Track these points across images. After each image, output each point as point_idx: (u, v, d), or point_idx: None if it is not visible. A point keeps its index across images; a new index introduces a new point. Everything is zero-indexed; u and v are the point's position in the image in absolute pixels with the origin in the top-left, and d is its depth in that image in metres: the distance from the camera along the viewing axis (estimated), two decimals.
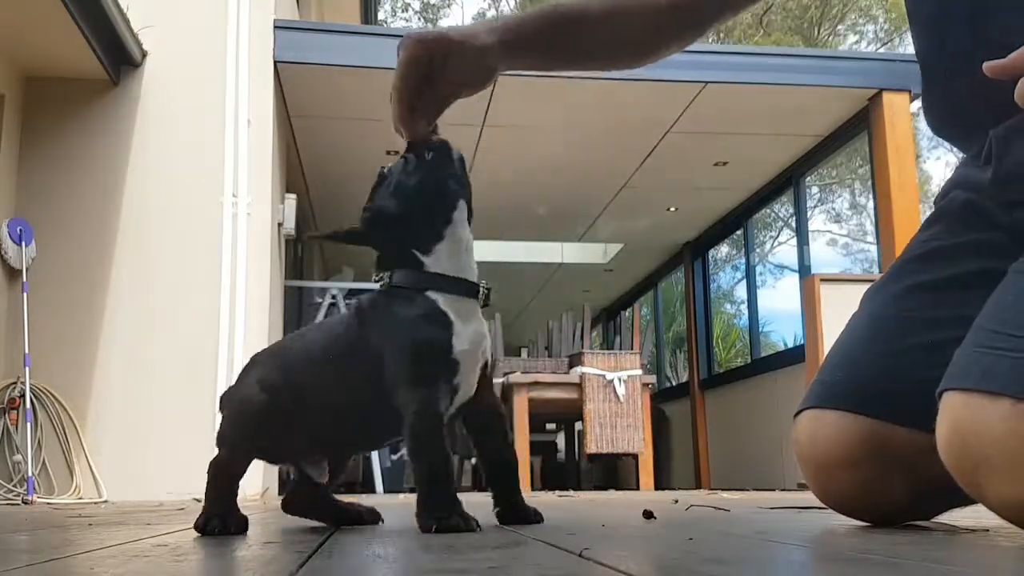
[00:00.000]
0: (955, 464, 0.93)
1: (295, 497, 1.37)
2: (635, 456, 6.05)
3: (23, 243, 4.38)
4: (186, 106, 4.84)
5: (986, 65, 0.96)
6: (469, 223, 1.23)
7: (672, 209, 7.26)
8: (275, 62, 4.95)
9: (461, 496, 1.10)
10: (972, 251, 1.21)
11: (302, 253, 7.41)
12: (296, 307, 7.13)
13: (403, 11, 23.13)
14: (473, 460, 6.56)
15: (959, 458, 0.93)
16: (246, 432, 1.23)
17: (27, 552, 1.06)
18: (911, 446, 1.09)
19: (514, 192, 7.00)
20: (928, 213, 1.34)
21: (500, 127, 5.78)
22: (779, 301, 20.01)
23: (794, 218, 6.82)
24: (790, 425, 1.32)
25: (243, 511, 1.23)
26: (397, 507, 2.12)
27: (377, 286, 1.22)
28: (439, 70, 1.17)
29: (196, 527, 1.17)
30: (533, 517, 1.25)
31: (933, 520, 1.27)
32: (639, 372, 5.89)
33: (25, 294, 4.32)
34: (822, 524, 1.23)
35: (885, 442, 1.17)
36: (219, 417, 1.28)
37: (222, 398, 1.29)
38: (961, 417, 0.92)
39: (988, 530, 1.05)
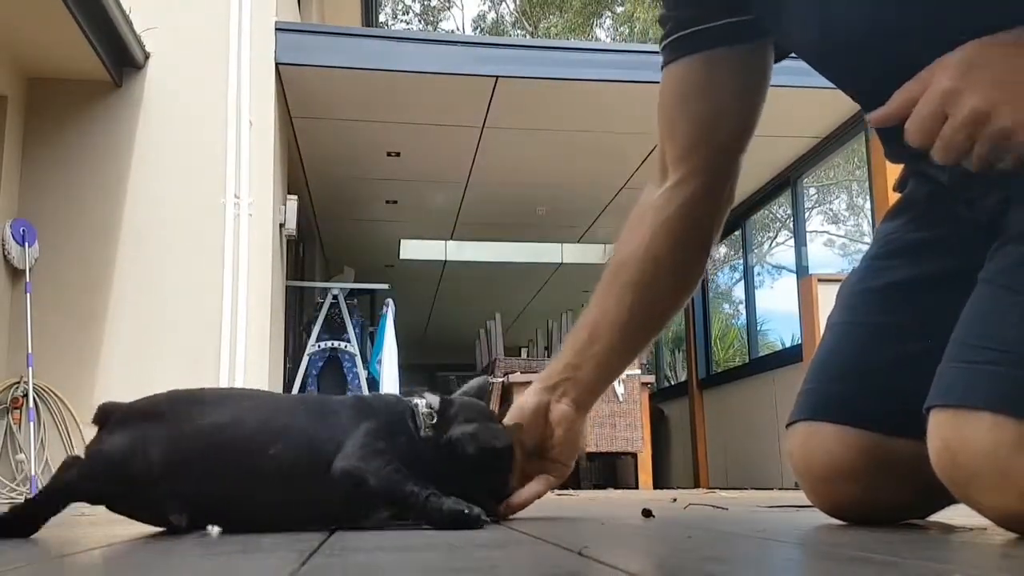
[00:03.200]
0: (949, 479, 0.95)
1: None
2: (634, 455, 6.06)
3: (26, 243, 4.39)
4: (188, 108, 4.85)
5: (870, 117, 0.98)
6: None
7: None
8: (276, 64, 4.96)
9: None
10: (941, 248, 1.21)
11: (303, 253, 7.42)
12: (297, 307, 7.15)
13: (404, 13, 23.13)
14: None
15: (952, 474, 0.95)
16: None
17: (28, 550, 1.07)
18: (908, 453, 1.10)
19: (514, 192, 7.00)
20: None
21: (500, 127, 5.79)
22: (777, 301, 20.02)
23: (792, 219, 6.82)
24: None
25: None
26: None
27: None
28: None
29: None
30: None
31: (930, 519, 1.27)
32: (638, 372, 5.90)
33: (28, 294, 4.32)
34: (820, 523, 1.23)
35: (883, 452, 1.17)
36: None
37: None
38: (948, 434, 0.94)
39: (985, 529, 1.05)
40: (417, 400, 1.24)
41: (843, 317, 1.31)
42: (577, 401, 1.35)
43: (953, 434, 0.93)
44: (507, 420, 1.33)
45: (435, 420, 1.21)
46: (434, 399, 1.24)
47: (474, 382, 1.38)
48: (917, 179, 1.27)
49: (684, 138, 1.36)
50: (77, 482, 1.14)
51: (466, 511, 1.10)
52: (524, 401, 1.36)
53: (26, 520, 1.14)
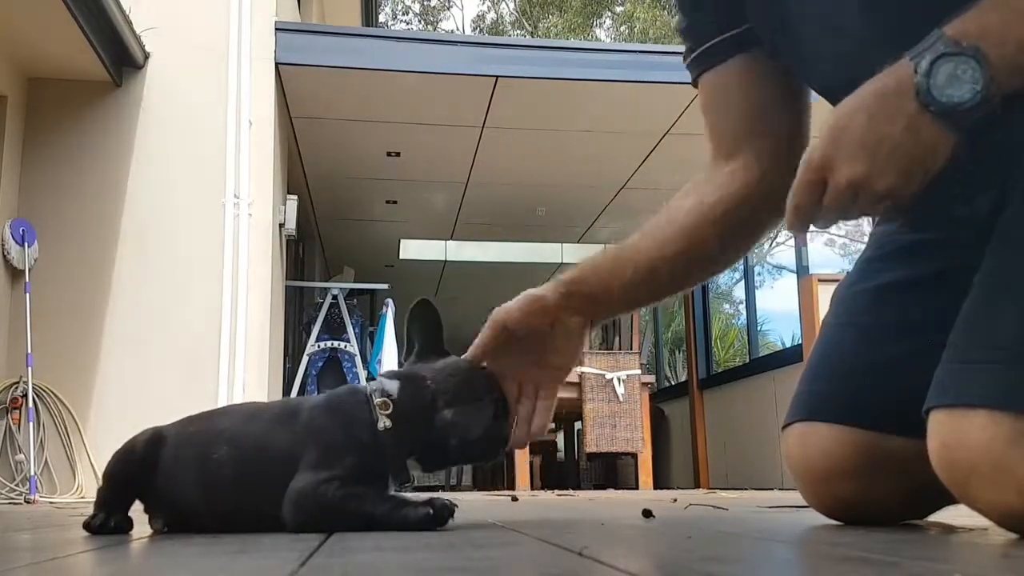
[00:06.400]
0: (949, 479, 0.95)
1: None
2: (634, 455, 6.06)
3: (26, 243, 4.39)
4: (188, 107, 4.86)
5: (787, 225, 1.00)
6: None
7: None
8: (276, 64, 4.96)
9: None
10: (936, 250, 1.21)
11: (303, 253, 7.42)
12: (297, 307, 7.15)
13: (404, 14, 23.15)
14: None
15: (951, 473, 0.95)
16: None
17: (29, 551, 1.07)
18: (905, 452, 1.10)
19: (514, 192, 7.00)
20: None
21: (500, 128, 5.79)
22: (777, 301, 20.06)
23: None
24: None
25: None
26: None
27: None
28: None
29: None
30: None
31: (930, 519, 1.27)
32: (638, 372, 5.90)
33: (28, 294, 4.33)
34: (820, 523, 1.23)
35: (878, 451, 1.18)
36: None
37: None
38: (946, 433, 0.94)
39: (986, 529, 1.05)
40: (372, 388, 1.14)
41: (838, 318, 1.31)
42: (592, 314, 1.30)
43: (950, 433, 0.94)
44: (516, 306, 1.23)
45: (391, 410, 1.12)
46: (392, 385, 1.14)
47: (415, 314, 1.25)
48: None
49: (739, 122, 1.30)
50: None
51: (432, 511, 1.06)
52: (535, 292, 1.25)
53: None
